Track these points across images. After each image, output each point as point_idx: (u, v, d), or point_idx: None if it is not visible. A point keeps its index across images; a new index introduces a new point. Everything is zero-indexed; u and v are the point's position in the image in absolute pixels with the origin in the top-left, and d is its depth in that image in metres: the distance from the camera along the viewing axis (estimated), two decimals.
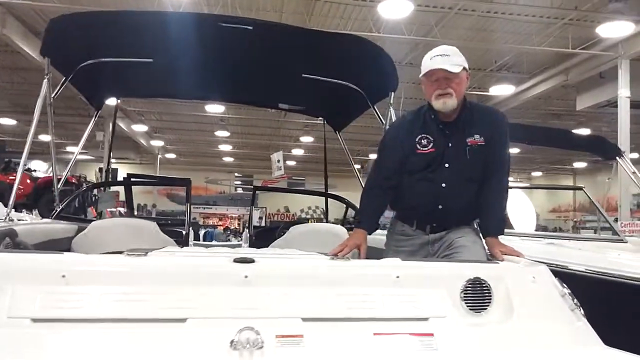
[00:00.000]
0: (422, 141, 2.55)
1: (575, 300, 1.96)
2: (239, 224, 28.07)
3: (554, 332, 1.85)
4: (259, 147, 25.00)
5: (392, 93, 3.56)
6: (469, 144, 2.51)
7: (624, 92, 10.73)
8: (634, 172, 5.59)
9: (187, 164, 28.95)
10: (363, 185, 2.81)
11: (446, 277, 1.92)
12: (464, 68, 2.52)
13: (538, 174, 26.60)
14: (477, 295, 1.89)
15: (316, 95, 4.43)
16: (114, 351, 1.55)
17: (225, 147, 26.60)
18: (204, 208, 29.42)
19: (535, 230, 6.56)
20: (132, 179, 5.11)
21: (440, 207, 2.54)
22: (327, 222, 5.25)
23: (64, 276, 1.66)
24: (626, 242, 4.37)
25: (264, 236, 4.85)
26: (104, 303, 1.64)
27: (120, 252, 1.90)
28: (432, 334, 1.71)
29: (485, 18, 10.54)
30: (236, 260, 1.83)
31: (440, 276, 1.93)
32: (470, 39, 11.18)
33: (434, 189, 2.53)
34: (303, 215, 28.89)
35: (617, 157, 5.73)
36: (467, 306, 1.87)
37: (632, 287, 2.45)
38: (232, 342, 1.55)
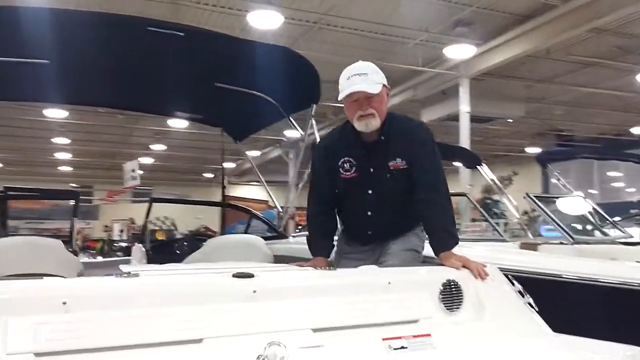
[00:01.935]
0: (345, 165, 2.50)
1: (526, 295, 2.23)
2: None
3: (517, 324, 2.09)
4: (102, 155, 23.42)
5: (314, 105, 3.65)
6: (391, 167, 2.47)
7: (464, 108, 12.01)
8: (492, 179, 6.33)
9: (14, 174, 26.06)
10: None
11: (426, 281, 2.08)
12: (384, 85, 2.45)
13: None
14: (453, 296, 2.08)
15: (217, 104, 4.37)
16: None
17: (63, 155, 24.48)
18: (37, 223, 26.67)
19: None
20: (9, 192, 4.55)
21: (369, 232, 2.60)
22: (221, 233, 5.18)
23: (64, 303, 1.50)
24: (509, 242, 4.98)
25: (162, 250, 4.66)
26: (112, 329, 1.52)
27: (24, 275, 1.76)
28: (429, 334, 1.85)
29: (347, 34, 11.11)
30: (236, 276, 1.81)
31: (422, 280, 2.08)
32: (331, 52, 11.69)
33: (360, 216, 2.54)
34: (151, 227, 27.62)
35: (478, 166, 6.45)
36: (445, 306, 2.04)
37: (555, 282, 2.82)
38: (259, 357, 1.54)
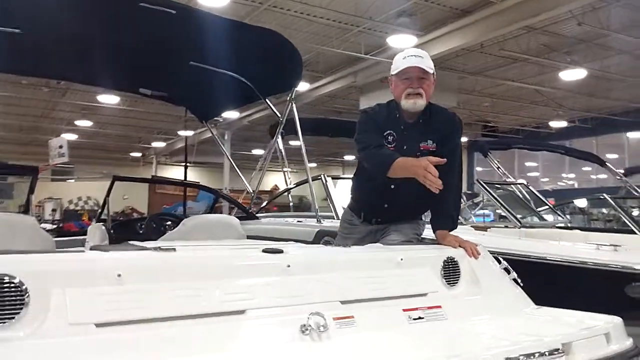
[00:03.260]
0: (389, 137, 2.63)
1: (512, 272, 2.45)
2: None
3: (506, 297, 2.31)
4: (20, 130, 22.07)
5: (294, 89, 3.71)
6: (422, 148, 2.61)
7: None
8: None
9: None
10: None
11: (430, 258, 2.25)
12: (433, 73, 2.59)
13: (313, 165, 28.85)
14: (452, 272, 2.26)
15: (187, 83, 4.34)
16: (188, 348, 1.51)
17: None
18: None
19: None
20: None
21: (386, 206, 2.72)
22: (184, 212, 5.15)
23: (119, 275, 1.54)
24: (465, 225, 5.29)
25: (123, 231, 4.58)
26: (163, 301, 1.57)
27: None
28: (440, 306, 2.02)
29: (293, 17, 11.13)
30: (266, 251, 1.89)
31: (427, 257, 2.25)
32: None
33: (383, 188, 2.64)
34: (72, 207, 26.48)
35: None
36: (446, 281, 2.22)
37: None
38: (302, 326, 1.64)
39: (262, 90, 3.99)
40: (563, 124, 18.74)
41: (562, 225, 5.76)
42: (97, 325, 1.44)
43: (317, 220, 4.00)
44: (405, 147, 2.65)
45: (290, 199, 6.44)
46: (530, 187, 6.06)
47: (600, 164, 7.67)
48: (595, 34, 11.12)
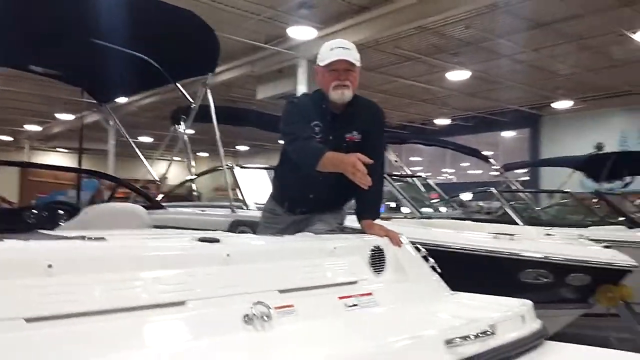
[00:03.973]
0: (315, 128, 2.65)
1: (430, 260, 2.56)
2: None
3: (427, 283, 2.41)
4: None
5: (210, 74, 3.59)
6: (347, 139, 2.66)
7: (301, 88, 12.46)
8: None
9: None
10: None
11: (359, 246, 2.29)
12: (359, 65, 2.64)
13: (205, 154, 28.13)
14: (379, 260, 2.32)
15: (85, 62, 4.05)
16: (128, 341, 1.42)
17: None
18: None
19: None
20: None
21: (311, 196, 2.74)
22: (78, 199, 4.81)
23: (50, 266, 1.40)
24: None
25: (8, 220, 4.20)
26: (97, 293, 1.46)
27: None
28: (371, 293, 2.07)
29: (190, 1, 10.76)
30: (202, 240, 1.83)
31: (356, 246, 2.28)
32: None
33: (310, 179, 2.65)
34: None
35: None
36: (373, 269, 2.28)
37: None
38: (245, 316, 1.61)
39: (172, 74, 3.81)
40: (447, 121, 19.92)
41: (456, 216, 6.14)
42: (28, 320, 1.30)
43: (232, 210, 3.92)
44: (331, 138, 2.68)
45: (195, 188, 6.26)
46: (428, 180, 6.38)
47: (484, 160, 8.26)
48: (480, 38, 11.89)
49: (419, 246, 2.59)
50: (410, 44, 12.43)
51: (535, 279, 3.48)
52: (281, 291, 1.82)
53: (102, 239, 1.67)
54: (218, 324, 1.58)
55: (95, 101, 4.65)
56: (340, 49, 2.62)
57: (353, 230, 2.69)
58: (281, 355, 1.49)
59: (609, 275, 3.54)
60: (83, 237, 1.67)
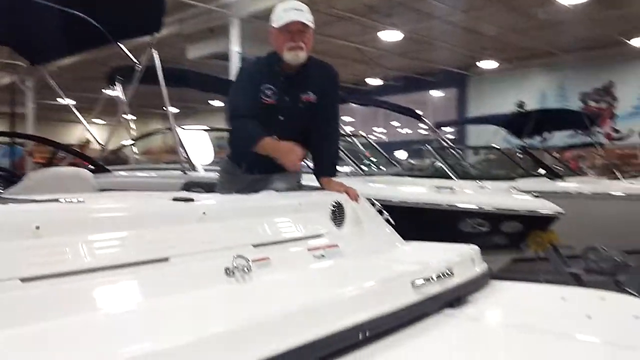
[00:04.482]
0: (266, 91, 2.71)
1: (385, 213, 2.73)
2: None
3: (383, 235, 2.58)
4: None
5: (156, 34, 3.52)
6: (303, 99, 2.74)
7: (234, 48, 12.26)
8: None
9: None
10: None
11: (321, 202, 2.41)
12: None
13: (133, 117, 27.15)
14: (339, 214, 2.45)
15: (14, 20, 3.84)
16: (122, 296, 1.49)
17: None
18: None
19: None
20: None
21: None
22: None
23: (38, 228, 1.42)
24: None
25: None
26: (86, 252, 1.50)
27: None
28: (337, 245, 2.20)
29: None
30: (177, 199, 1.88)
31: (318, 202, 2.40)
32: None
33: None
34: None
35: None
36: (335, 223, 2.41)
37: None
38: (227, 269, 1.70)
39: (113, 33, 3.70)
40: (378, 82, 20.23)
41: (394, 173, 6.38)
42: (23, 280, 1.34)
43: (183, 172, 3.93)
44: (287, 99, 2.76)
45: (135, 152, 6.13)
46: (369, 139, 6.56)
47: (418, 118, 8.55)
48: None
49: (373, 201, 2.75)
50: (344, 3, 12.46)
51: (474, 228, 3.75)
52: (255, 245, 1.91)
53: (82, 201, 1.69)
54: (202, 277, 1.66)
55: (26, 63, 4.43)
56: (293, 10, 2.67)
57: (312, 188, 2.81)
58: (266, 302, 1.59)
59: (538, 222, 3.87)
60: (57, 200, 1.69)
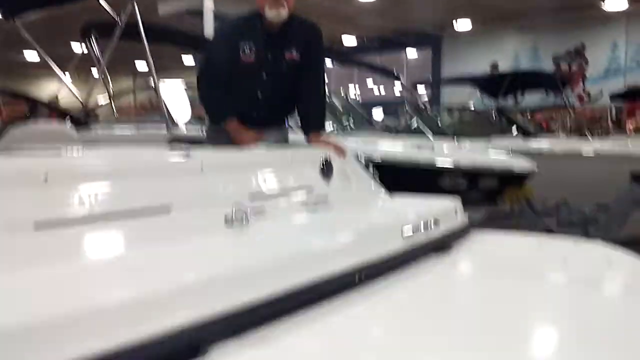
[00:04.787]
0: (246, 49, 2.72)
1: (370, 167, 2.82)
2: None
3: (368, 187, 2.68)
4: None
5: None
6: (287, 58, 2.76)
7: (209, 4, 12.01)
8: None
9: None
10: None
11: (311, 157, 2.48)
12: None
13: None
14: (328, 169, 2.53)
15: None
16: (131, 243, 1.55)
17: None
18: None
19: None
20: None
21: (254, 114, 2.85)
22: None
23: (46, 177, 1.47)
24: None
25: None
26: (94, 200, 1.55)
27: None
28: (327, 197, 2.29)
29: None
30: (173, 147, 1.94)
31: (308, 157, 2.48)
32: None
33: (251, 98, 2.77)
34: None
35: None
36: (324, 177, 2.49)
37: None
38: (226, 217, 1.77)
39: None
40: (353, 42, 20.09)
41: (374, 131, 6.46)
42: (36, 227, 1.39)
43: (167, 128, 3.94)
44: (269, 57, 2.78)
45: (114, 109, 6.07)
46: (348, 99, 6.61)
47: (397, 78, 8.61)
48: None
49: (360, 155, 2.83)
50: None
51: (453, 184, 3.89)
52: (252, 197, 1.98)
53: (79, 152, 1.73)
54: (204, 226, 1.73)
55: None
56: None
57: (298, 145, 2.88)
58: (268, 248, 1.67)
59: (514, 178, 4.02)
60: (61, 150, 1.73)
